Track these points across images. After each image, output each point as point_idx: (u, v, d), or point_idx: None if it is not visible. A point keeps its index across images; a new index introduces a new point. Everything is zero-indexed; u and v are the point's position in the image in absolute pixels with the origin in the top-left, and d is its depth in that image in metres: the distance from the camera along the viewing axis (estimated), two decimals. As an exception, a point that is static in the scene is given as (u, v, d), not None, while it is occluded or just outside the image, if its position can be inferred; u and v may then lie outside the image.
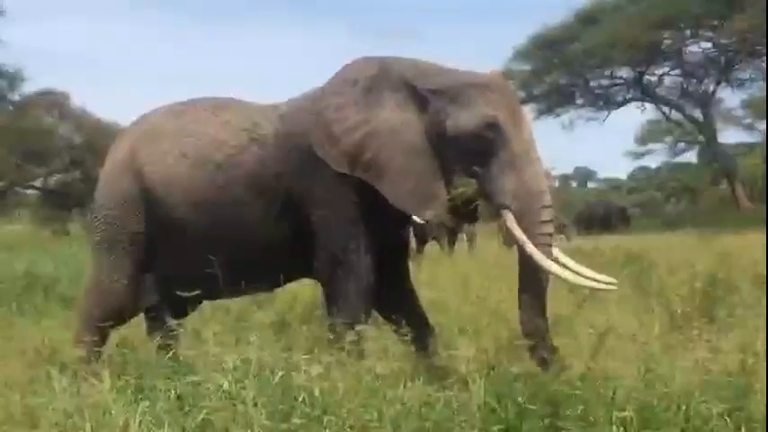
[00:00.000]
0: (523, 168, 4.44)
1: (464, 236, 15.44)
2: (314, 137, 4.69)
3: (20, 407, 3.83)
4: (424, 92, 4.64)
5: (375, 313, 4.96)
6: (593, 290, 4.57)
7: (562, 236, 19.86)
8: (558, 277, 4.43)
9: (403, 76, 4.71)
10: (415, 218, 5.00)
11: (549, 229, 4.47)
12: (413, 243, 11.67)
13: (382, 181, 4.57)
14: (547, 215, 4.46)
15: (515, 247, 4.53)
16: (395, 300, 4.92)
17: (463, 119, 4.50)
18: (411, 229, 5.65)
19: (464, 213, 4.71)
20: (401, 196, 4.58)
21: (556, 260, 4.44)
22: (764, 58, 37.06)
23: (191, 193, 4.86)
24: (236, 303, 6.13)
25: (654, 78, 41.19)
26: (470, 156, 4.53)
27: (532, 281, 4.44)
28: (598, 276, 4.52)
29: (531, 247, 4.33)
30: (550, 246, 4.44)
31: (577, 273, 4.47)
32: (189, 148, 4.91)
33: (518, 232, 4.39)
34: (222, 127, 4.93)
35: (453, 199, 4.54)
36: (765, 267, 7.71)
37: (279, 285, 5.07)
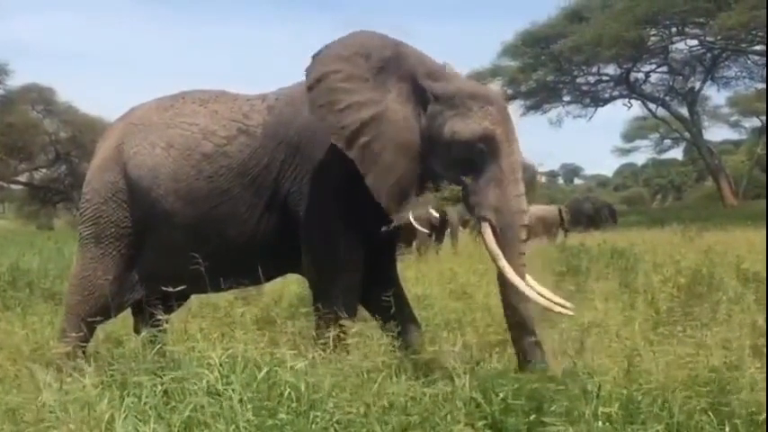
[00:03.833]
0: (509, 186, 4.44)
1: (449, 230, 15.53)
2: (314, 95, 4.59)
3: (3, 403, 3.80)
4: (427, 93, 4.60)
5: (361, 308, 4.96)
6: (551, 310, 4.52)
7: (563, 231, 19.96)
8: (522, 294, 4.39)
9: (413, 69, 4.65)
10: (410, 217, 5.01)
11: (525, 248, 4.49)
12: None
13: (368, 166, 4.53)
14: (524, 234, 4.48)
15: None
16: (381, 295, 4.92)
17: (461, 127, 4.48)
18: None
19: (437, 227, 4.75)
20: (380, 189, 4.54)
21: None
22: (750, 56, 37.27)
23: (177, 184, 4.83)
24: (223, 299, 6.12)
25: (640, 75, 41.49)
26: (458, 165, 4.53)
27: (511, 302, 4.41)
28: (557, 299, 4.51)
29: (503, 263, 4.35)
30: (524, 264, 4.45)
31: (540, 293, 4.45)
32: (175, 139, 4.89)
33: (493, 246, 4.40)
34: (210, 117, 4.90)
35: (439, 193, 4.56)
36: (764, 265, 7.75)
37: (266, 280, 5.05)
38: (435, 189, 4.61)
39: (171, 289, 4.61)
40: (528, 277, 4.45)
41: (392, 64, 4.66)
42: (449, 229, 15.57)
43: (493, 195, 4.44)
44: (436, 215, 14.15)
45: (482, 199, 4.46)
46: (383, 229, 4.61)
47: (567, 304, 4.50)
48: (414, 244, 13.89)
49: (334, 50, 4.69)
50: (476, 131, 4.46)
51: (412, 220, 4.45)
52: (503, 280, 4.40)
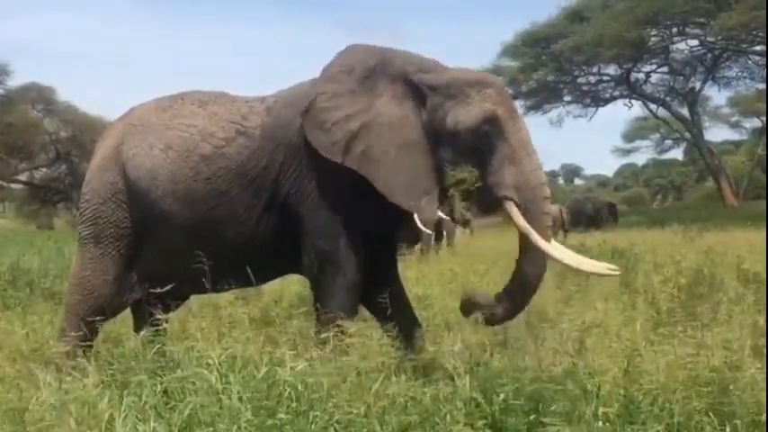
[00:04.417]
0: (523, 161, 4.48)
1: (445, 232, 15.56)
2: (306, 121, 4.65)
3: (3, 403, 3.80)
4: (423, 87, 4.64)
5: (362, 308, 4.96)
6: (593, 275, 4.68)
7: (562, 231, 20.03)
8: (562, 263, 4.52)
9: (402, 69, 4.70)
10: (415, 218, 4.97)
11: (550, 219, 4.57)
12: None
13: (374, 173, 4.55)
14: (548, 206, 4.54)
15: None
16: (382, 295, 4.91)
17: (463, 115, 4.52)
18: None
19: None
20: (393, 189, 4.56)
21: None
22: (750, 56, 37.26)
23: (175, 185, 4.82)
24: (223, 299, 6.11)
25: (641, 76, 41.48)
26: (468, 152, 4.58)
27: (525, 276, 4.51)
28: (598, 264, 4.62)
29: (536, 236, 4.38)
30: (551, 235, 4.54)
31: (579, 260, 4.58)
32: (174, 141, 4.88)
33: (522, 222, 4.43)
34: (209, 119, 4.90)
35: (462, 181, 4.62)
36: (764, 265, 7.73)
37: (265, 281, 5.03)
38: (453, 172, 4.65)
39: (159, 289, 4.62)
40: (558, 244, 4.57)
41: (378, 70, 4.72)
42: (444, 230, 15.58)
43: (509, 174, 4.47)
44: (442, 216, 14.14)
45: (499, 179, 4.49)
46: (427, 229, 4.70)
47: (612, 266, 4.62)
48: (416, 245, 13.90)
49: (322, 76, 4.78)
50: (478, 115, 4.49)
51: (418, 221, 4.40)
52: (526, 245, 4.45)
